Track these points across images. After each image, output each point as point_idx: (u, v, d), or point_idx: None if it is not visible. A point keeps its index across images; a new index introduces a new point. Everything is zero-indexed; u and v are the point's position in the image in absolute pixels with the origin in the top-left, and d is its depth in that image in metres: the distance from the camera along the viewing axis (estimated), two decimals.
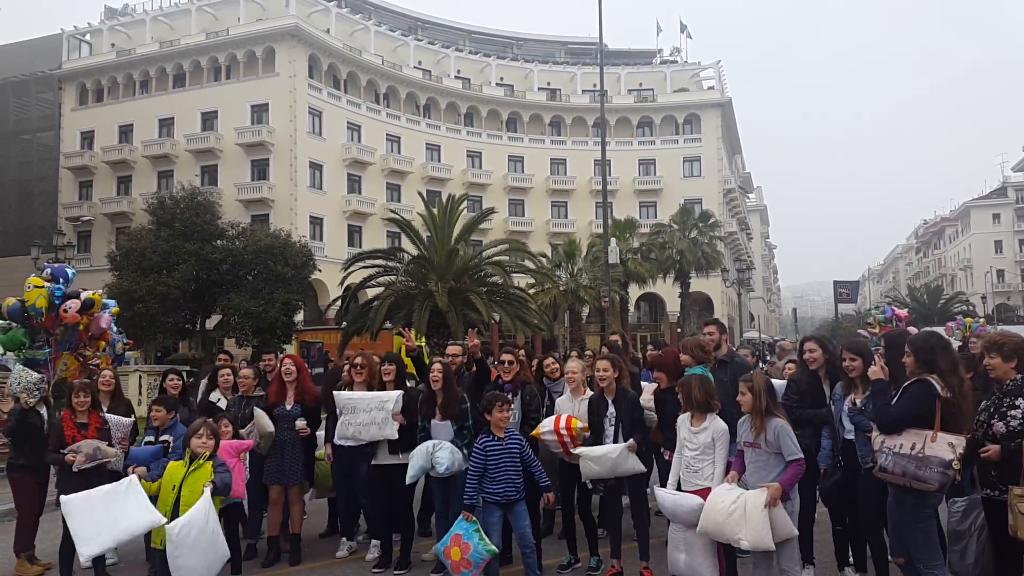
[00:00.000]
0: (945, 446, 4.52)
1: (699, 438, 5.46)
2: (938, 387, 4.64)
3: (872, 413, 5.13)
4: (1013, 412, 4.73)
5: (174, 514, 5.20)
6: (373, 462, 6.98)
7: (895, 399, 4.87)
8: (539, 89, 57.46)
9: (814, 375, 6.25)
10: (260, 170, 43.27)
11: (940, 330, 24.76)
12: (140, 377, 21.33)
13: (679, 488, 5.50)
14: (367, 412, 6.80)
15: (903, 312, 23.86)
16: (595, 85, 53.20)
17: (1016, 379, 4.84)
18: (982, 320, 27.73)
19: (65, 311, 11.20)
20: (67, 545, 6.51)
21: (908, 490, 4.69)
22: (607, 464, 6.18)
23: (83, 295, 11.57)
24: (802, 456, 5.15)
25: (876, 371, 5.05)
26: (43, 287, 11.25)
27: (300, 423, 7.11)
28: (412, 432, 6.77)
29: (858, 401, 5.71)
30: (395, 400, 6.80)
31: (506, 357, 7.25)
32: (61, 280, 11.63)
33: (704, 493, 5.25)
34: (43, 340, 11.49)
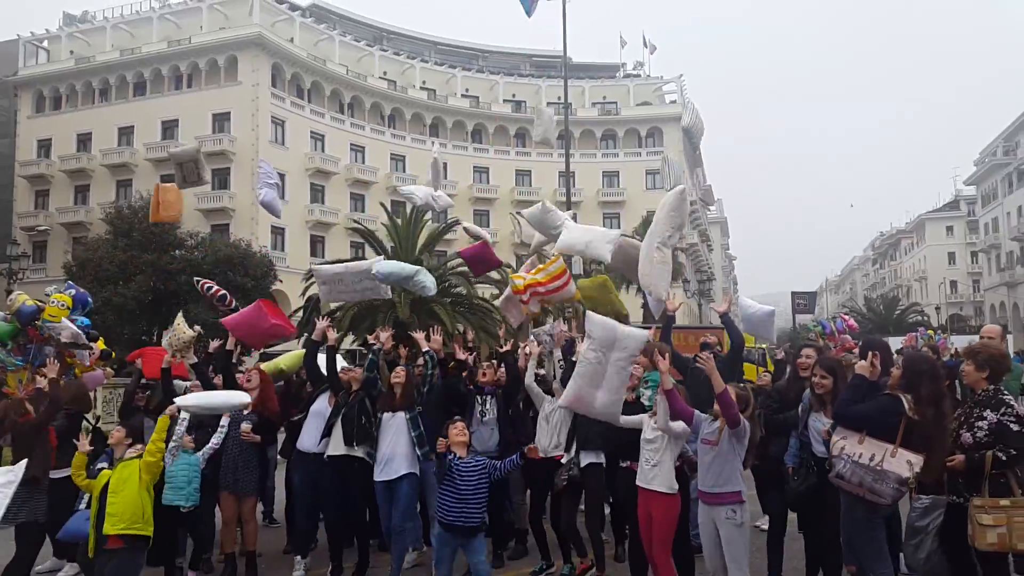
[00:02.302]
0: (904, 463, 4.57)
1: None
2: (906, 406, 4.68)
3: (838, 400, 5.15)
4: (980, 424, 4.77)
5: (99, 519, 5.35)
6: (327, 454, 6.90)
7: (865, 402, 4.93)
8: (504, 101, 57.70)
9: (801, 384, 6.15)
10: (221, 179, 42.68)
11: (900, 340, 25.14)
12: (96, 390, 20.84)
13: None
14: (356, 280, 7.59)
15: (853, 323, 24.21)
16: (560, 98, 53.31)
17: (988, 390, 4.86)
18: (944, 334, 28.23)
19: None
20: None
21: (860, 500, 4.74)
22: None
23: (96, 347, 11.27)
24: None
25: (865, 366, 5.05)
26: (67, 311, 10.89)
27: (245, 426, 6.97)
28: (368, 426, 6.83)
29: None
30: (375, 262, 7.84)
31: (487, 364, 7.75)
32: (81, 308, 11.28)
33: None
34: (18, 346, 11.05)
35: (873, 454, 4.64)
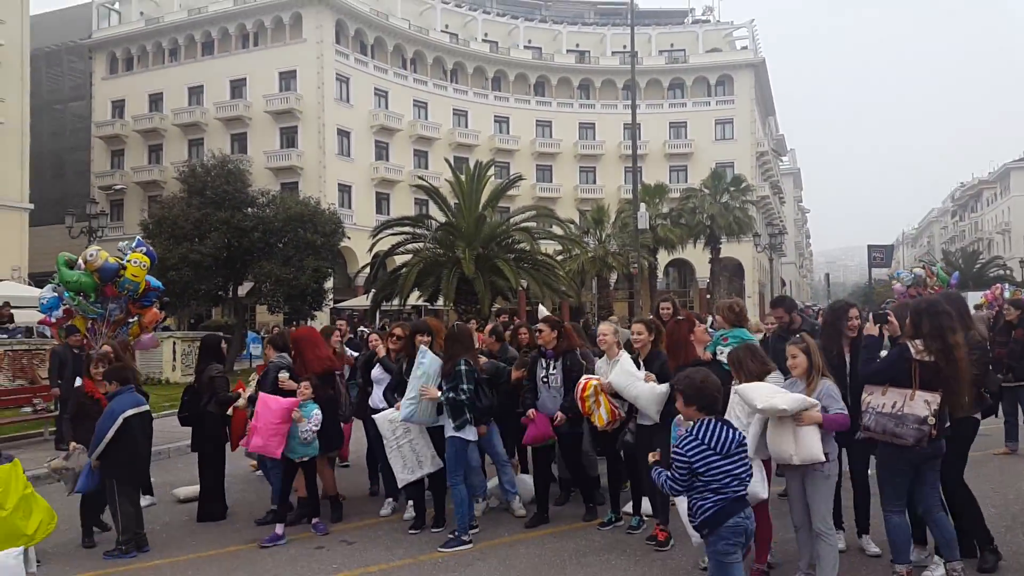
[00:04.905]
0: (922, 403, 4.85)
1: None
2: (912, 351, 4.94)
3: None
4: None
5: None
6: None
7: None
8: (568, 51, 56.72)
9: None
10: (289, 138, 43.42)
11: (977, 296, 24.04)
12: (174, 343, 21.71)
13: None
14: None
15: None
16: (625, 46, 52.19)
17: None
18: (1015, 290, 26.91)
19: (143, 306, 11.73)
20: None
21: (886, 444, 5.02)
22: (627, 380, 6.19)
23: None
24: (847, 413, 5.02)
25: (871, 327, 5.33)
26: (146, 270, 11.71)
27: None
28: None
29: None
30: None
31: (541, 326, 7.19)
32: (151, 262, 12.14)
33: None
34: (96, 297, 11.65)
35: (895, 401, 4.95)
